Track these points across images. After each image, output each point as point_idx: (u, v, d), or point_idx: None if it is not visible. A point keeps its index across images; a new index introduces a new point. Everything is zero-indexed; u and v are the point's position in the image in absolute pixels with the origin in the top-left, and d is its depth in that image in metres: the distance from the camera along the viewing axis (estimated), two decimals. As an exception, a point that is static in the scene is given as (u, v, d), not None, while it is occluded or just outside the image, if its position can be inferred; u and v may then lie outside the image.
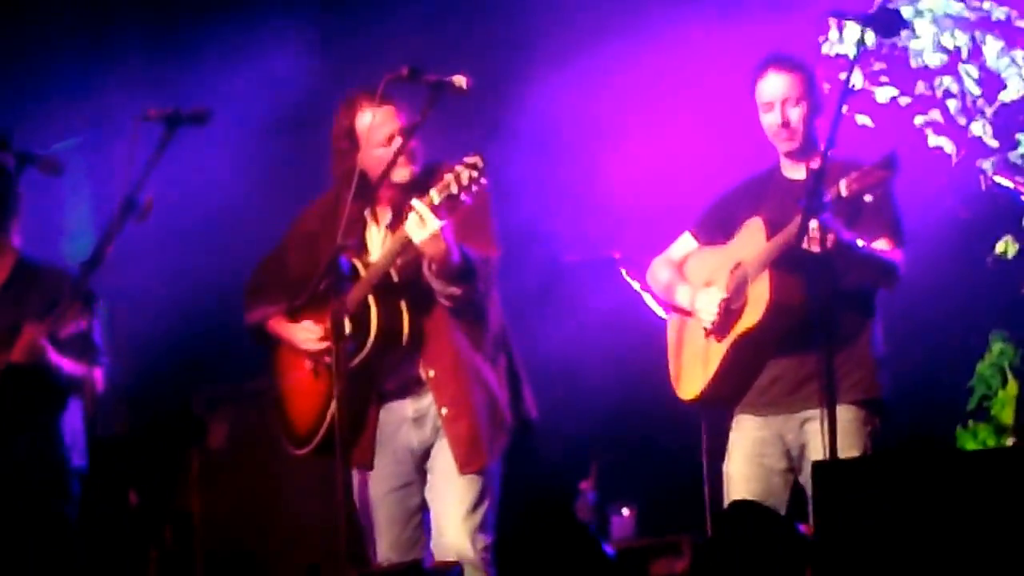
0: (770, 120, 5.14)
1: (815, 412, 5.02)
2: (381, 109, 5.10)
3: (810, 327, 4.95)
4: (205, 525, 7.38)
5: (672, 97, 6.78)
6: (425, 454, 5.26)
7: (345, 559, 4.78)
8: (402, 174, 5.16)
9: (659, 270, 5.43)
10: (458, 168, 4.85)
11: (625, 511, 7.40)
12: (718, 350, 5.17)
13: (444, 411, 5.17)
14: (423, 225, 4.92)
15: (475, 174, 4.83)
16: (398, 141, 5.12)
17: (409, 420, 5.24)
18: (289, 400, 5.39)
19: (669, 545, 7.03)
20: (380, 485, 5.27)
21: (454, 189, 4.85)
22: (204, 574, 7.35)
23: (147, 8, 7.94)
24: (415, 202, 4.93)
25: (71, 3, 8.00)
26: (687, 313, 5.29)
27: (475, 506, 5.15)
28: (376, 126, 5.12)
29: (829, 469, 4.16)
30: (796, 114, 5.11)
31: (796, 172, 5.16)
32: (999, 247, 6.49)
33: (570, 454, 7.15)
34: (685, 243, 5.42)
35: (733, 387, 5.21)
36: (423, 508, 5.28)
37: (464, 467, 5.15)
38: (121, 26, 7.97)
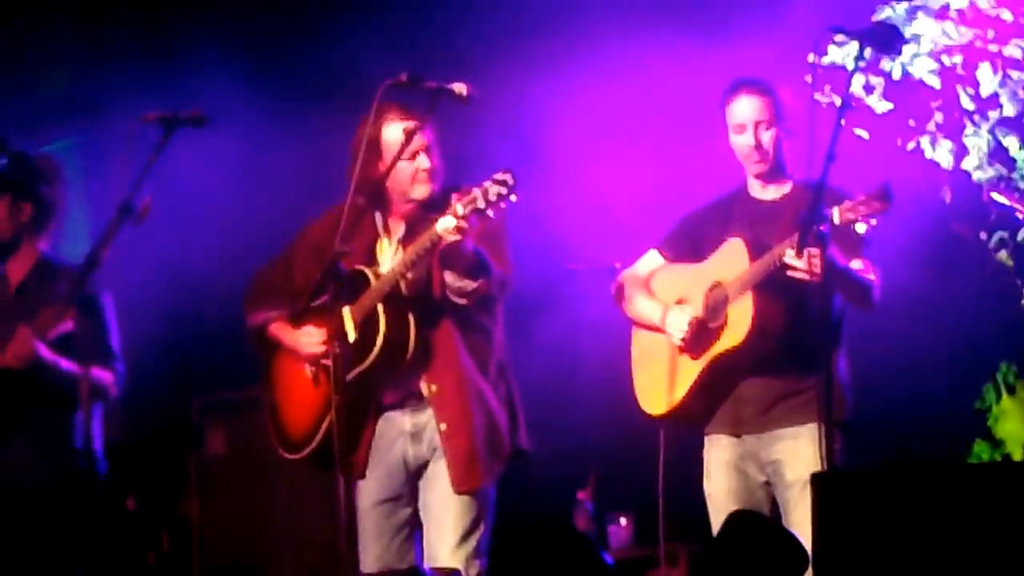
0: (742, 142, 5.18)
1: (786, 431, 5.09)
2: (407, 123, 5.08)
3: (785, 349, 4.99)
4: (203, 531, 7.39)
5: (674, 107, 6.79)
6: (418, 471, 5.22)
7: (346, 567, 4.76)
8: (421, 191, 5.17)
9: (627, 285, 5.41)
10: (487, 183, 4.78)
11: (623, 520, 7.42)
12: (693, 368, 5.17)
13: (443, 427, 5.13)
14: (456, 231, 4.85)
15: (504, 191, 4.75)
16: (422, 157, 5.13)
17: (406, 434, 5.21)
18: (286, 405, 5.37)
19: (667, 554, 7.03)
20: (369, 496, 5.22)
21: (480, 204, 4.77)
22: (201, 580, 7.37)
23: (145, 11, 7.95)
24: (452, 212, 4.84)
25: (69, 6, 8.01)
26: (657, 329, 5.28)
27: (470, 531, 5.12)
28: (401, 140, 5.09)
29: (828, 481, 4.17)
30: (768, 137, 5.15)
31: (764, 193, 5.23)
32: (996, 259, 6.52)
33: (568, 464, 7.15)
34: (652, 259, 5.42)
35: (704, 405, 5.21)
36: (412, 523, 5.23)
37: (459, 485, 5.10)
38: (119, 28, 7.97)
